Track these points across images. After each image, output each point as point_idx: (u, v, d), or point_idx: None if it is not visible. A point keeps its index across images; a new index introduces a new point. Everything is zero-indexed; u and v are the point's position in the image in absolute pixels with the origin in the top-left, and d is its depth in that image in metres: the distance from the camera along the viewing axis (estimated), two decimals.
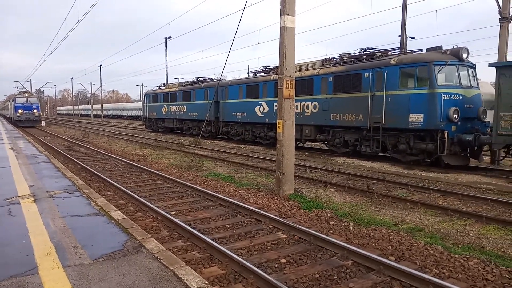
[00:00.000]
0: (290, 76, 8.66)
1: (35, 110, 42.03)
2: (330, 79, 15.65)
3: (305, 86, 16.66)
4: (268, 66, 20.97)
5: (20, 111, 41.10)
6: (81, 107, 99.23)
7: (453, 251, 5.33)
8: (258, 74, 21.39)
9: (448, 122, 11.88)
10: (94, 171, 11.54)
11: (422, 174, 11.71)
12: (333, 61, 16.59)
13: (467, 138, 11.73)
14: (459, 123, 12.00)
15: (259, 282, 4.30)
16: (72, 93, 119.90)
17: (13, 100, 43.44)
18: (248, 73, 23.96)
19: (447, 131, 11.75)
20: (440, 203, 8.24)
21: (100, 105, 70.86)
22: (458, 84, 12.40)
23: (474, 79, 13.07)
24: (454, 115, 11.82)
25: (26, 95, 43.36)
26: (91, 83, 71.21)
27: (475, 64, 13.14)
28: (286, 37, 8.52)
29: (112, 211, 6.12)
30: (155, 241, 4.75)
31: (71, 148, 19.00)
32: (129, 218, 5.97)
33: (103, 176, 10.71)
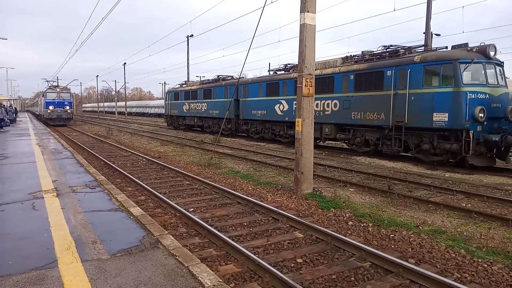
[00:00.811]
0: (310, 74, 8.57)
1: (67, 107, 37.35)
2: (351, 77, 15.42)
3: (325, 84, 16.48)
4: (288, 64, 20.85)
5: (51, 107, 36.37)
6: (105, 104, 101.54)
7: (476, 255, 5.15)
8: (278, 72, 21.31)
9: (474, 121, 11.51)
10: (116, 167, 11.76)
11: (446, 175, 11.40)
12: (354, 58, 16.33)
13: (494, 139, 11.33)
14: (485, 122, 11.61)
15: (275, 282, 4.28)
16: (97, 91, 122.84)
17: (43, 95, 39.12)
18: (269, 71, 23.90)
19: (472, 131, 11.39)
20: (464, 205, 8.00)
21: (124, 102, 72.25)
22: (485, 83, 11.99)
23: (502, 78, 12.61)
24: (480, 115, 11.44)
25: (58, 89, 38.44)
26: (115, 80, 72.88)
27: (503, 62, 12.67)
28: (306, 35, 8.44)
29: (132, 207, 6.21)
30: (172, 238, 4.79)
31: (95, 145, 19.44)
32: (148, 214, 6.05)
33: (125, 172, 10.90)
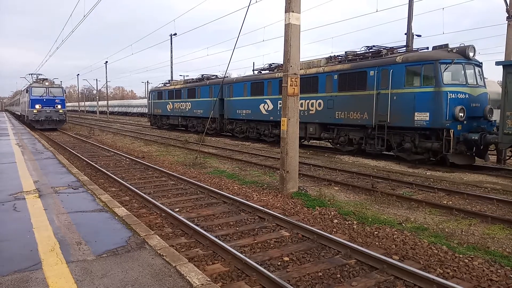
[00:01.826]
0: (295, 74, 8.63)
1: (59, 106, 29.17)
2: (335, 77, 15.58)
3: (310, 83, 16.60)
4: (273, 63, 20.91)
5: (37, 107, 28.27)
6: (87, 103, 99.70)
7: (458, 250, 5.29)
8: (262, 72, 21.34)
9: (454, 121, 11.79)
10: (98, 167, 11.58)
11: (427, 173, 11.64)
12: (338, 58, 16.50)
13: (473, 137, 11.64)
14: (465, 122, 11.90)
15: (262, 280, 4.30)
16: (78, 90, 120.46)
17: (27, 91, 30.49)
18: (253, 70, 23.92)
19: (452, 130, 11.66)
20: (445, 202, 8.19)
21: (106, 101, 71.12)
22: (465, 83, 12.29)
23: (481, 78, 12.95)
24: (460, 114, 11.73)
25: (46, 83, 29.95)
26: (96, 79, 71.67)
27: (481, 63, 13.01)
28: (291, 35, 8.49)
29: (116, 208, 6.14)
30: (158, 238, 4.76)
31: (76, 144, 19.09)
32: (133, 215, 5.99)
33: (108, 173, 10.75)
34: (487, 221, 6.81)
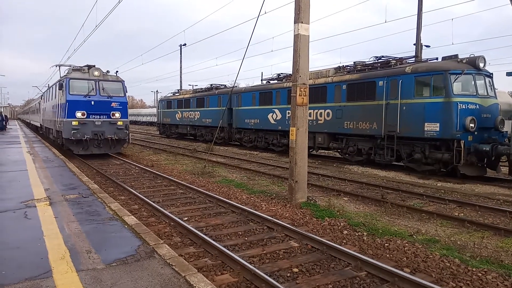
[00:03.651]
0: (304, 84, 8.65)
1: (117, 114, 17.00)
2: (344, 87, 15.57)
3: (318, 93, 16.60)
4: (281, 73, 20.99)
5: (80, 115, 16.12)
6: None
7: (471, 264, 5.20)
8: (271, 82, 21.42)
9: (465, 131, 11.67)
10: (108, 176, 11.65)
11: (438, 184, 11.51)
12: (347, 69, 16.51)
13: (484, 148, 11.50)
14: (475, 132, 11.78)
15: None
16: None
17: (60, 87, 16.92)
18: (262, 80, 24.02)
19: (463, 141, 11.54)
20: (457, 214, 8.07)
21: None
22: (475, 93, 12.19)
23: (491, 88, 12.84)
24: (471, 125, 11.62)
25: (96, 73, 16.97)
26: None
27: (492, 73, 12.91)
28: (300, 45, 8.53)
29: (126, 216, 6.15)
30: (168, 247, 4.75)
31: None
32: (142, 223, 6.00)
33: (117, 181, 10.81)
34: (500, 234, 6.69)
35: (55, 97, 18.62)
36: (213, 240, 5.87)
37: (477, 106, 12.03)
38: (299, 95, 8.61)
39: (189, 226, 6.48)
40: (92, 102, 16.30)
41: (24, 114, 69.22)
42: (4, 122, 36.52)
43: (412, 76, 12.88)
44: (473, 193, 10.23)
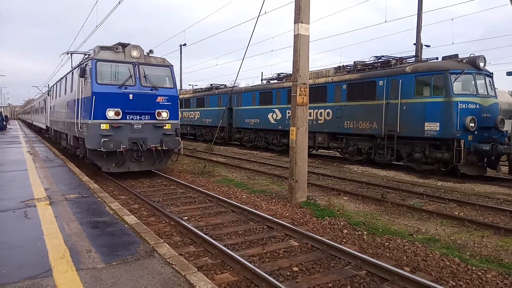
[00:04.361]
0: (304, 83, 8.65)
1: (164, 114, 11.52)
2: (344, 86, 15.57)
3: (318, 93, 16.61)
4: (281, 73, 21.01)
5: (112, 114, 10.62)
6: None
7: (470, 263, 5.20)
8: (271, 81, 21.43)
9: (465, 131, 11.68)
10: (108, 175, 11.65)
11: (438, 184, 11.51)
12: (347, 68, 16.51)
13: (484, 148, 11.50)
14: (475, 132, 11.79)
15: None
16: None
17: (82, 74, 10.92)
18: (262, 80, 24.04)
19: (463, 140, 11.54)
20: (457, 213, 8.07)
21: None
22: (475, 93, 12.20)
23: (492, 88, 12.84)
24: (471, 124, 11.62)
25: (135, 53, 11.28)
26: None
27: (492, 73, 12.92)
28: (300, 45, 8.53)
29: (126, 215, 6.15)
30: (168, 246, 4.76)
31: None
32: (142, 223, 6.00)
33: (117, 181, 10.81)
34: (500, 233, 6.69)
35: (72, 90, 13.05)
36: (213, 239, 5.88)
37: (477, 106, 12.03)
38: (299, 94, 8.61)
39: (189, 226, 6.49)
40: (130, 96, 10.77)
41: (25, 114, 61.04)
42: (4, 122, 36.47)
43: (412, 75, 12.88)
44: (473, 192, 10.23)
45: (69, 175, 10.05)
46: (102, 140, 10.30)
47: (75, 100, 12.32)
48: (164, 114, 11.43)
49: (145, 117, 11.14)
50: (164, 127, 11.48)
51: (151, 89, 11.28)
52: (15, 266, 4.01)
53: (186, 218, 7.34)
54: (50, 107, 20.95)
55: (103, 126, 10.56)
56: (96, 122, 10.51)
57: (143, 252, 4.50)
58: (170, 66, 12.07)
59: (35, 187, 8.20)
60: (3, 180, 9.08)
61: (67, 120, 14.30)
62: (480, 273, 4.85)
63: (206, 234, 6.18)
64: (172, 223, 6.92)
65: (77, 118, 11.79)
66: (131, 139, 10.91)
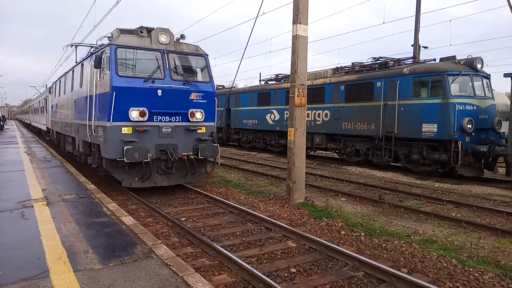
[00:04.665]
0: (302, 84, 8.66)
1: (198, 114, 9.46)
2: (342, 87, 15.60)
3: (316, 94, 16.63)
4: (279, 74, 21.03)
5: (136, 115, 8.59)
6: None
7: (467, 264, 5.21)
8: (269, 82, 21.46)
9: (462, 132, 11.72)
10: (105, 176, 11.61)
11: (435, 185, 11.54)
12: (345, 69, 16.55)
13: (482, 149, 11.54)
14: (473, 133, 11.82)
15: None
16: None
17: (97, 63, 8.87)
18: (260, 81, 24.05)
19: (460, 142, 11.58)
20: (454, 215, 8.10)
21: None
22: (472, 95, 12.24)
23: (489, 90, 12.90)
24: (468, 126, 11.66)
25: (163, 38, 9.19)
26: None
27: (489, 75, 12.97)
28: (298, 46, 8.54)
29: (123, 216, 6.14)
30: (165, 247, 4.75)
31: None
32: (140, 224, 5.98)
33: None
34: (497, 235, 6.72)
35: (81, 85, 11.09)
36: (211, 240, 5.88)
37: (475, 107, 12.08)
38: (297, 96, 8.62)
39: (186, 227, 6.48)
40: (159, 92, 8.82)
41: (23, 114, 57.38)
42: (1, 123, 36.35)
43: (410, 77, 12.92)
44: (470, 193, 10.26)
45: (66, 176, 10.03)
46: (124, 148, 8.27)
47: (86, 97, 10.31)
48: (199, 115, 9.45)
49: (175, 119, 9.16)
50: (198, 131, 9.51)
51: (183, 84, 9.22)
52: (12, 267, 3.99)
53: (183, 219, 7.33)
54: (52, 106, 18.76)
55: (125, 130, 8.56)
56: (116, 125, 8.48)
57: (140, 253, 4.49)
58: (205, 56, 9.94)
59: (32, 188, 8.18)
60: (0, 180, 9.05)
61: (74, 121, 12.11)
62: (477, 275, 4.86)
63: (203, 235, 6.19)
64: (170, 224, 6.91)
65: (90, 119, 9.72)
66: (158, 146, 8.89)
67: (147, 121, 8.70)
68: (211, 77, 9.90)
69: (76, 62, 12.72)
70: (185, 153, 9.14)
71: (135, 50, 8.93)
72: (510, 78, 10.99)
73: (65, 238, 4.96)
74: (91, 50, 10.58)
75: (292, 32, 8.61)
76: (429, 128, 12.30)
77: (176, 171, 9.23)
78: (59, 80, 16.44)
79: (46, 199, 7.16)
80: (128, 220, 5.95)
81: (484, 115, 12.21)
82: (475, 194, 10.14)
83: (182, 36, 9.57)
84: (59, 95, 16.18)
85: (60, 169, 11.16)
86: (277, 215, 7.70)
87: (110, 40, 9.53)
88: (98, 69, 9.14)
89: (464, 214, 8.21)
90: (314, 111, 16.80)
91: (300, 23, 8.50)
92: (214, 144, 9.51)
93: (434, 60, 13.43)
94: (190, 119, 9.29)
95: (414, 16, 18.59)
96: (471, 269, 5.02)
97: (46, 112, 21.61)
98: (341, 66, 17.00)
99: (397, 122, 13.17)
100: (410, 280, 4.43)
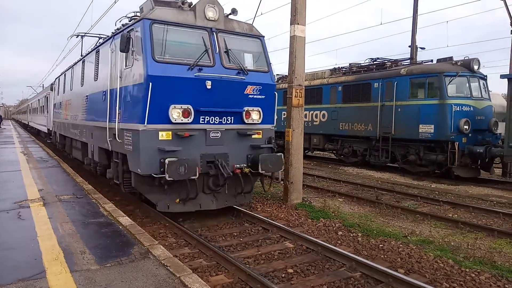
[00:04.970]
0: (300, 85, 8.67)
1: (255, 114, 7.42)
2: (339, 88, 15.63)
3: (314, 95, 16.66)
4: (277, 75, 21.02)
5: (179, 115, 6.47)
6: None
7: (464, 264, 5.23)
8: None
9: (459, 133, 11.76)
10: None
11: (432, 186, 11.58)
12: (342, 70, 16.59)
13: (478, 150, 11.59)
14: (470, 134, 11.87)
15: None
16: None
17: (124, 45, 6.56)
18: None
19: (457, 143, 11.62)
20: (451, 215, 8.13)
21: None
22: (469, 96, 12.29)
23: (485, 91, 12.95)
24: (465, 127, 11.71)
25: (210, 13, 7.03)
26: None
27: (486, 76, 13.03)
28: (296, 46, 8.55)
29: (120, 217, 6.12)
30: (162, 248, 4.74)
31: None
32: (137, 224, 5.97)
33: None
34: (493, 235, 6.75)
35: (97, 78, 8.98)
36: (208, 241, 5.87)
37: (471, 108, 12.13)
38: (295, 96, 8.63)
39: (183, 227, 6.47)
40: (208, 84, 6.75)
41: (20, 114, 52.87)
42: None
43: (407, 78, 12.96)
44: (467, 194, 10.30)
45: (63, 176, 9.99)
46: (167, 162, 6.09)
47: (103, 92, 8.24)
48: (255, 115, 7.40)
49: (227, 120, 7.06)
50: (254, 136, 7.42)
51: (238, 73, 7.09)
52: (8, 267, 3.97)
53: (180, 219, 7.31)
54: (55, 104, 16.60)
55: (163, 135, 6.44)
56: (152, 129, 6.34)
57: (137, 253, 4.48)
58: (261, 37, 7.85)
59: (28, 188, 8.14)
60: None
61: (86, 123, 9.91)
62: (474, 275, 4.88)
63: (200, 236, 6.18)
64: (167, 224, 6.90)
65: (111, 120, 7.64)
66: (205, 156, 6.78)
67: (192, 123, 6.60)
68: (269, 65, 7.79)
69: (81, 55, 11.32)
70: (238, 165, 7.12)
71: (175, 27, 6.76)
72: (506, 79, 11.04)
73: (61, 238, 4.94)
74: (113, 31, 8.22)
75: (290, 32, 8.62)
76: (426, 129, 12.34)
77: (227, 189, 7.29)
78: (63, 75, 14.45)
79: (42, 199, 7.14)
80: (125, 220, 5.94)
81: (480, 116, 12.27)
82: (472, 195, 10.18)
83: (234, 11, 7.43)
84: (63, 92, 14.21)
85: (57, 169, 11.12)
86: (274, 216, 7.70)
87: (137, 17, 7.32)
88: (125, 54, 6.99)
89: (460, 214, 8.24)
90: (311, 112, 16.83)
91: (298, 23, 8.51)
92: (278, 154, 7.49)
93: (431, 61, 13.48)
94: (246, 120, 7.23)
95: (412, 17, 18.66)
96: (467, 270, 5.03)
97: (47, 112, 19.70)
98: (339, 67, 17.05)
99: (394, 123, 13.20)
100: (407, 280, 4.44)
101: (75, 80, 11.84)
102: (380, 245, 5.98)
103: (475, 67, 12.37)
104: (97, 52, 9.14)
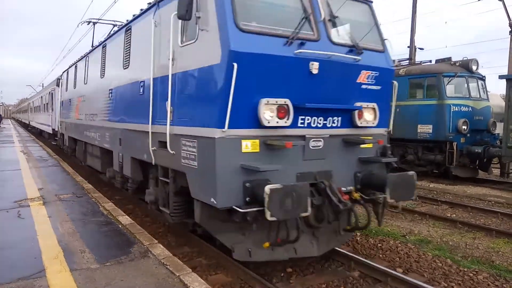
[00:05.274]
0: None
1: (369, 113, 5.09)
2: None
3: None
4: None
5: (272, 112, 4.13)
6: None
7: (462, 264, 5.26)
8: None
9: (457, 133, 11.80)
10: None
11: (430, 186, 11.61)
12: None
13: (476, 150, 11.63)
14: (468, 135, 11.91)
15: None
16: None
17: (185, 11, 4.08)
18: None
19: (456, 143, 11.66)
20: (449, 215, 8.16)
21: None
22: (468, 96, 12.32)
23: (484, 91, 12.99)
24: (463, 127, 11.74)
25: None
26: None
27: (485, 76, 13.07)
28: None
29: (120, 216, 6.14)
30: (162, 247, 4.76)
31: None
32: (137, 223, 5.99)
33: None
34: (491, 235, 6.77)
35: (130, 64, 6.77)
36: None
37: (470, 109, 12.16)
38: None
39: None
40: (314, 67, 4.36)
41: (21, 113, 49.14)
42: None
43: (406, 78, 12.98)
44: (465, 194, 10.34)
45: (63, 175, 10.01)
46: (266, 189, 3.78)
47: (141, 83, 6.05)
48: (369, 115, 5.22)
49: (332, 122, 4.81)
50: (362, 146, 5.21)
51: (349, 51, 4.77)
52: (8, 266, 3.99)
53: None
54: (62, 102, 14.30)
55: (247, 146, 4.25)
56: (234, 135, 4.17)
57: (137, 252, 4.50)
58: (369, 2, 5.54)
59: (28, 187, 8.15)
60: None
61: (112, 124, 7.65)
62: (472, 274, 4.91)
63: (200, 235, 6.17)
64: (166, 223, 6.90)
65: (155, 121, 5.46)
66: (303, 176, 4.56)
67: (290, 126, 4.35)
68: (383, 41, 5.42)
69: (92, 45, 9.71)
70: (345, 189, 4.84)
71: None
72: (505, 79, 11.07)
73: (61, 237, 4.95)
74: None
75: None
76: (425, 129, 12.37)
77: (325, 229, 4.97)
78: (74, 67, 12.11)
79: (42, 198, 7.15)
80: (125, 219, 5.96)
81: (479, 116, 12.31)
82: (470, 195, 10.22)
83: None
84: (74, 87, 11.95)
85: (57, 169, 11.13)
86: None
87: None
88: (182, 25, 4.79)
89: (459, 214, 8.27)
90: None
91: None
92: (410, 173, 5.03)
93: (430, 61, 13.51)
94: (358, 122, 4.97)
95: (410, 18, 18.69)
96: (465, 269, 5.07)
97: (52, 110, 17.34)
98: None
99: (392, 123, 13.19)
100: (406, 279, 4.47)
101: (91, 71, 9.71)
102: (379, 245, 6.01)
103: (474, 67, 12.41)
104: (128, 30, 6.90)
